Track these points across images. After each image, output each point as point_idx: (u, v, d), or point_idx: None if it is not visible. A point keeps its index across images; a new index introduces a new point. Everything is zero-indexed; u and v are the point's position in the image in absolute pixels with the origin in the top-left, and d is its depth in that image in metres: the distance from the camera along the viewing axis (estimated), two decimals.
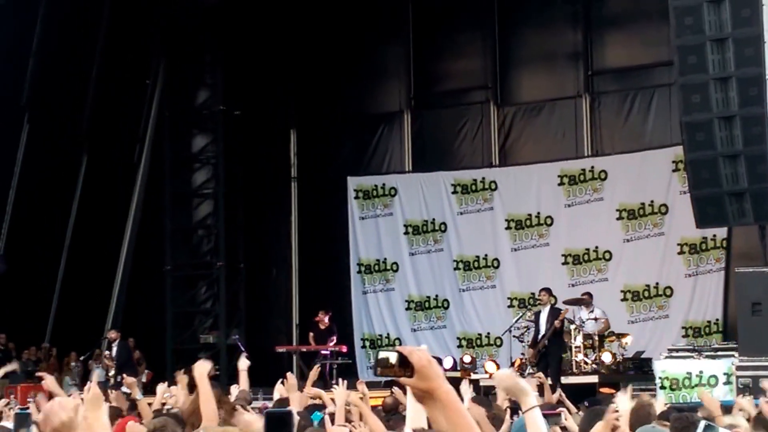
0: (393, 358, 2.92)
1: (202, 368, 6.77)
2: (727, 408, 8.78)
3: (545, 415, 5.03)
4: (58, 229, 23.12)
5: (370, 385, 14.21)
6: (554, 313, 18.59)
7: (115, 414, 7.92)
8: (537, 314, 19.01)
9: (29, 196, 22.32)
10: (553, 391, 12.84)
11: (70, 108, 23.16)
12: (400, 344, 23.01)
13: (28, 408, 5.90)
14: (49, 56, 22.37)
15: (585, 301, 19.76)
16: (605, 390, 16.43)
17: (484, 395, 11.81)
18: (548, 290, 19.11)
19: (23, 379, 20.93)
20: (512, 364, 19.54)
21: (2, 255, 19.76)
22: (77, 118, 23.35)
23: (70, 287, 23.03)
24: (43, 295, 22.66)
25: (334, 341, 21.28)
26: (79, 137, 23.53)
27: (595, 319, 19.31)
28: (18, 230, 22.04)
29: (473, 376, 18.20)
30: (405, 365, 2.89)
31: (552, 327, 18.33)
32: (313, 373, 10.75)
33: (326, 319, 21.60)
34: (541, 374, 13.98)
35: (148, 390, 16.10)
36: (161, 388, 9.50)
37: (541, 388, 11.54)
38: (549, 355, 18.35)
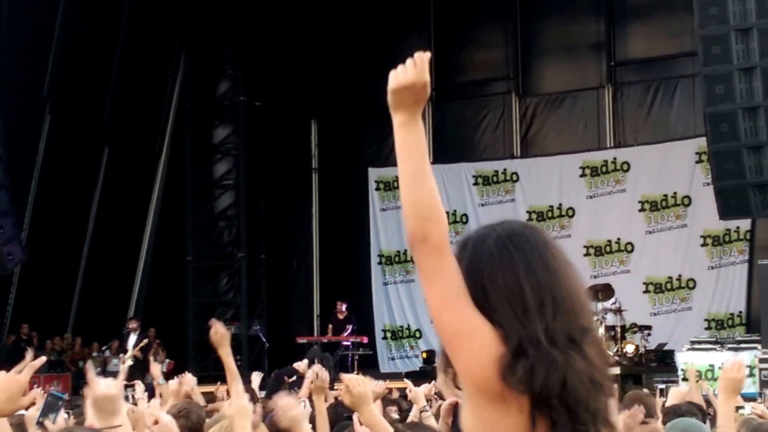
0: None
1: (221, 335, 5.63)
2: (748, 400, 8.69)
3: None
4: (80, 220, 23.18)
5: (390, 377, 14.19)
6: None
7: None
8: None
9: (51, 187, 22.37)
10: None
11: (91, 99, 23.20)
12: (421, 336, 23.13)
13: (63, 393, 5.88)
14: (70, 48, 22.41)
15: (602, 292, 19.61)
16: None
17: None
18: None
19: (46, 369, 21.03)
20: None
21: (24, 245, 19.80)
22: (98, 109, 23.39)
23: (92, 278, 23.10)
24: (65, 285, 22.74)
25: (350, 330, 21.34)
26: (100, 128, 23.57)
27: (618, 310, 19.24)
28: (40, 221, 22.10)
29: None
30: None
31: None
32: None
33: (344, 309, 21.68)
34: None
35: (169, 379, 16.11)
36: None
37: None
38: None
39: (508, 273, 2.29)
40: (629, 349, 18.60)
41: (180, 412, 5.74)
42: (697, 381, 10.53)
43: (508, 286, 2.28)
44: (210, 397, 9.07)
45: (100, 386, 3.48)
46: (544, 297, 2.28)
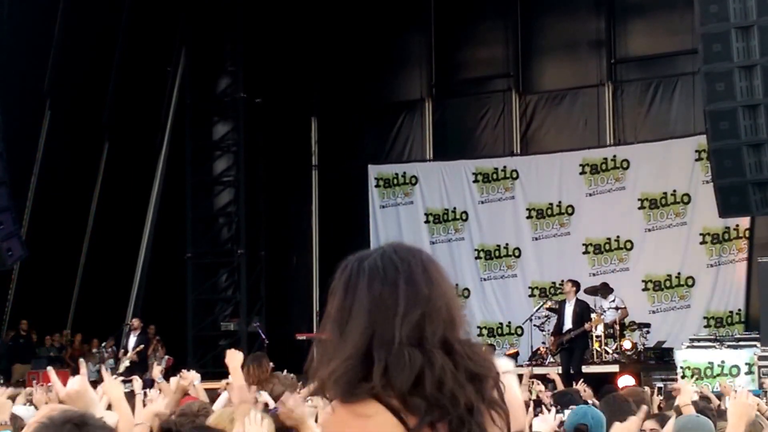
0: None
1: (235, 359, 6.22)
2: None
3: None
4: (80, 216, 23.19)
5: None
6: (581, 306, 18.34)
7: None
8: (562, 303, 18.84)
9: (51, 183, 22.38)
10: (576, 381, 12.87)
11: (91, 95, 23.20)
12: None
13: None
14: (71, 43, 22.41)
15: (601, 290, 19.59)
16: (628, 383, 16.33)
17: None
18: (573, 282, 18.82)
19: (45, 365, 21.02)
20: (534, 353, 19.51)
21: (24, 242, 19.80)
22: (98, 105, 23.40)
23: (92, 274, 23.11)
24: (64, 281, 22.75)
25: None
26: (100, 124, 23.58)
27: (616, 308, 19.24)
28: (40, 217, 22.11)
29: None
30: None
31: (581, 328, 18.08)
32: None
33: None
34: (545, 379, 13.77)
35: (169, 376, 16.09)
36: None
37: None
38: (575, 348, 18.10)
39: (388, 281, 2.43)
40: (627, 345, 18.61)
41: (199, 410, 5.84)
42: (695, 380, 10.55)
43: (382, 295, 2.42)
44: (212, 395, 9.07)
45: (68, 384, 3.59)
46: (418, 305, 2.40)
